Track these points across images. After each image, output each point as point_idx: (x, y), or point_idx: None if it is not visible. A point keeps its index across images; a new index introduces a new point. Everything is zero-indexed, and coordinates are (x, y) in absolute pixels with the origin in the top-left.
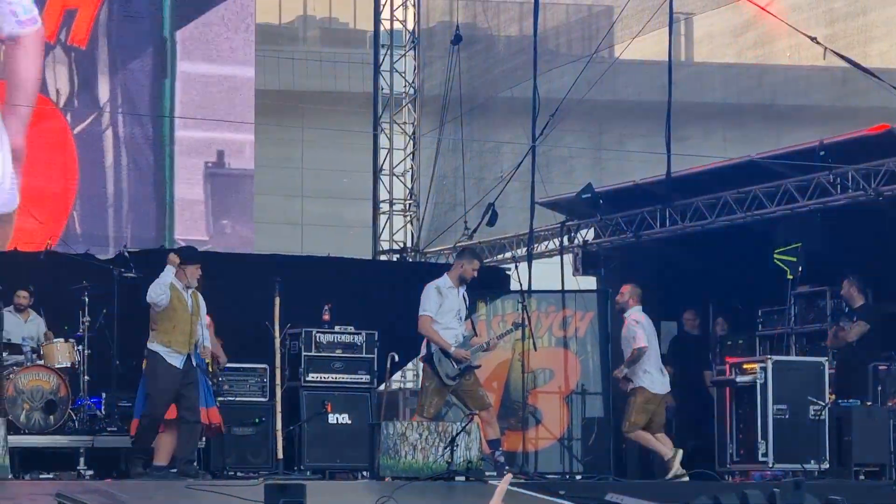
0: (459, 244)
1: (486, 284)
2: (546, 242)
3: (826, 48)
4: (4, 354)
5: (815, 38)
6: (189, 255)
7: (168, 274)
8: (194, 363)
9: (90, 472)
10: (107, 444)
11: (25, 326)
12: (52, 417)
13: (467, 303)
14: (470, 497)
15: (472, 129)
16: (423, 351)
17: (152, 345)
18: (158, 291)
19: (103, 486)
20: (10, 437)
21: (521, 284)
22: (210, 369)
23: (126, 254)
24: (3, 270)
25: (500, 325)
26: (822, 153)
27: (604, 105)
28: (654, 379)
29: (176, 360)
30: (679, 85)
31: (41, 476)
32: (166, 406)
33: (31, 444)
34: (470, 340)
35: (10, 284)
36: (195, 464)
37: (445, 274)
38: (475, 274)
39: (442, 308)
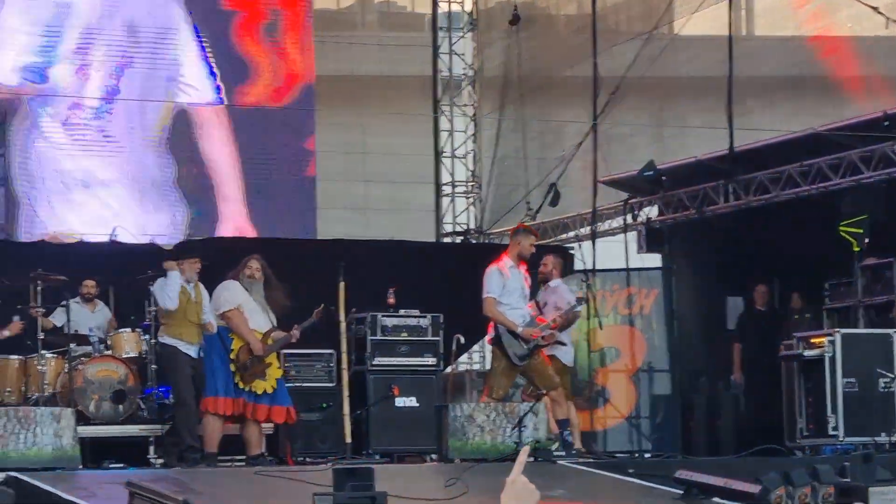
0: (523, 225)
1: None
2: (609, 221)
3: (888, 18)
4: (72, 345)
5: (877, 8)
6: (184, 251)
7: (175, 280)
8: (201, 354)
9: (160, 461)
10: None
11: (93, 317)
12: (121, 407)
13: (530, 282)
14: (538, 477)
15: (533, 109)
16: (491, 333)
17: (164, 338)
18: (168, 303)
19: (173, 475)
20: (79, 428)
21: (584, 263)
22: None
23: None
24: (69, 261)
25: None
26: (886, 123)
27: (664, 81)
28: (567, 350)
29: (191, 350)
30: (740, 59)
31: (111, 466)
32: (194, 391)
33: (101, 434)
34: (535, 320)
35: (77, 275)
36: (195, 448)
37: (504, 254)
38: (533, 249)
39: (506, 288)
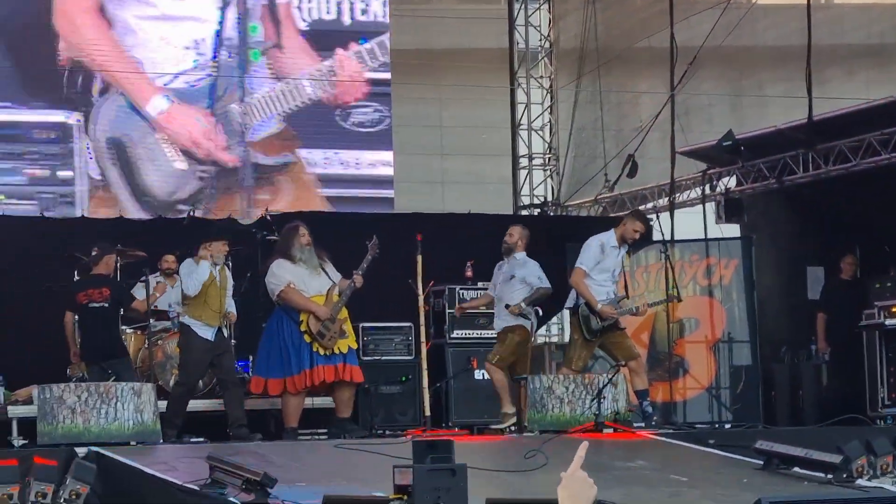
0: (601, 196)
1: None
2: (688, 191)
3: None
4: (152, 320)
5: None
6: (212, 233)
7: (204, 269)
8: (225, 335)
9: (259, 436)
10: (255, 407)
11: (172, 292)
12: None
13: (625, 265)
14: (619, 449)
15: (610, 80)
16: (571, 301)
17: (185, 318)
18: (191, 289)
19: (254, 448)
20: (160, 402)
21: (663, 234)
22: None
23: (268, 217)
24: (148, 237)
25: (643, 276)
26: None
27: (742, 51)
28: (534, 323)
29: (208, 333)
30: (818, 27)
31: (192, 440)
32: (200, 376)
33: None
34: (620, 302)
35: (156, 250)
36: (246, 427)
37: (612, 230)
38: (636, 236)
39: (599, 265)
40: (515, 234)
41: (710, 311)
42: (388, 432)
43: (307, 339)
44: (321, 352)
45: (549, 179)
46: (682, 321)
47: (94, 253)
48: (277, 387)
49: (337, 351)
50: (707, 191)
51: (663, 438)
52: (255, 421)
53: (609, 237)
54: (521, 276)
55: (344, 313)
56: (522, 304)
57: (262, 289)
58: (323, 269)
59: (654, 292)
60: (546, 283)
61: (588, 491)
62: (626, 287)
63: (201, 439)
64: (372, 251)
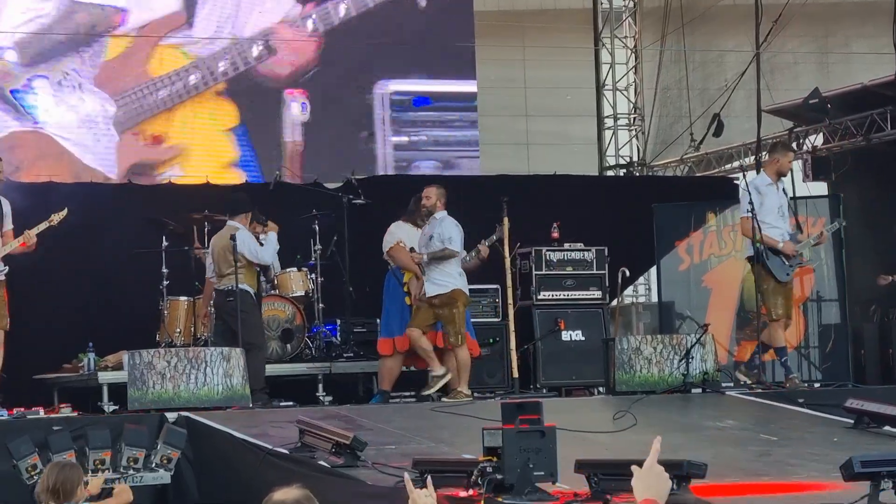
0: (686, 156)
1: (716, 195)
2: None
3: None
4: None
5: None
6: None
7: (274, 238)
8: None
9: (328, 399)
10: (344, 370)
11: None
12: (289, 346)
13: (788, 197)
14: (707, 409)
15: (694, 39)
16: (749, 251)
17: (243, 285)
18: (270, 258)
19: (343, 412)
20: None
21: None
22: None
23: (354, 181)
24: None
25: (730, 234)
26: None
27: (828, 7)
28: (465, 282)
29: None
30: None
31: (281, 404)
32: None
33: (270, 373)
34: (797, 237)
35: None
36: (266, 390)
37: (762, 170)
38: (791, 166)
39: (763, 206)
40: (432, 195)
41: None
42: (475, 394)
43: (408, 301)
44: None
45: (634, 140)
46: None
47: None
48: (386, 346)
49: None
50: (794, 149)
51: (753, 398)
52: (345, 387)
53: (760, 178)
54: (437, 234)
55: None
56: (424, 257)
57: (351, 256)
58: None
59: (731, 237)
60: (453, 246)
61: (664, 484)
62: (796, 222)
63: (290, 403)
64: (498, 233)
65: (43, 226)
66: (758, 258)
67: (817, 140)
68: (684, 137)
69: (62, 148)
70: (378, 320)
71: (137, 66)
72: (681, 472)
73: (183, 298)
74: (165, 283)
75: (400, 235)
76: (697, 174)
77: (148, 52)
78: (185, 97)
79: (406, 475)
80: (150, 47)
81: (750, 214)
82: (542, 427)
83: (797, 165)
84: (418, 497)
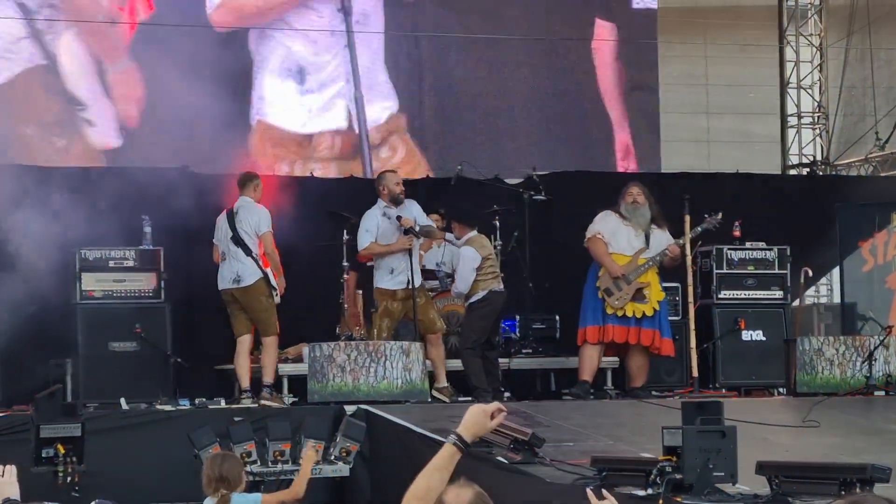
0: (871, 155)
1: None
2: None
3: None
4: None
5: None
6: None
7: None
8: None
9: (507, 394)
10: (523, 366)
11: (439, 251)
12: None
13: None
14: (891, 412)
15: (881, 37)
16: None
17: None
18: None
19: (521, 408)
20: (427, 361)
21: None
22: None
23: (535, 177)
24: (415, 197)
25: None
26: None
27: None
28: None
29: None
30: None
31: (459, 399)
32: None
33: (451, 368)
34: None
35: (423, 210)
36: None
37: None
38: None
39: None
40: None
41: None
42: (654, 393)
43: (600, 294)
44: (608, 310)
45: (818, 138)
46: None
47: None
48: (580, 336)
49: (631, 314)
50: None
51: None
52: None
53: None
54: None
55: (648, 278)
56: (416, 227)
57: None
58: (649, 232)
59: None
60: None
61: None
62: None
63: (469, 398)
64: (709, 223)
65: None
66: None
67: None
68: (869, 136)
69: None
70: (557, 316)
71: None
72: (864, 476)
73: (361, 292)
74: (345, 276)
75: (599, 228)
76: (882, 174)
77: None
78: None
79: (588, 491)
80: None
81: None
82: (723, 427)
83: None
84: None
